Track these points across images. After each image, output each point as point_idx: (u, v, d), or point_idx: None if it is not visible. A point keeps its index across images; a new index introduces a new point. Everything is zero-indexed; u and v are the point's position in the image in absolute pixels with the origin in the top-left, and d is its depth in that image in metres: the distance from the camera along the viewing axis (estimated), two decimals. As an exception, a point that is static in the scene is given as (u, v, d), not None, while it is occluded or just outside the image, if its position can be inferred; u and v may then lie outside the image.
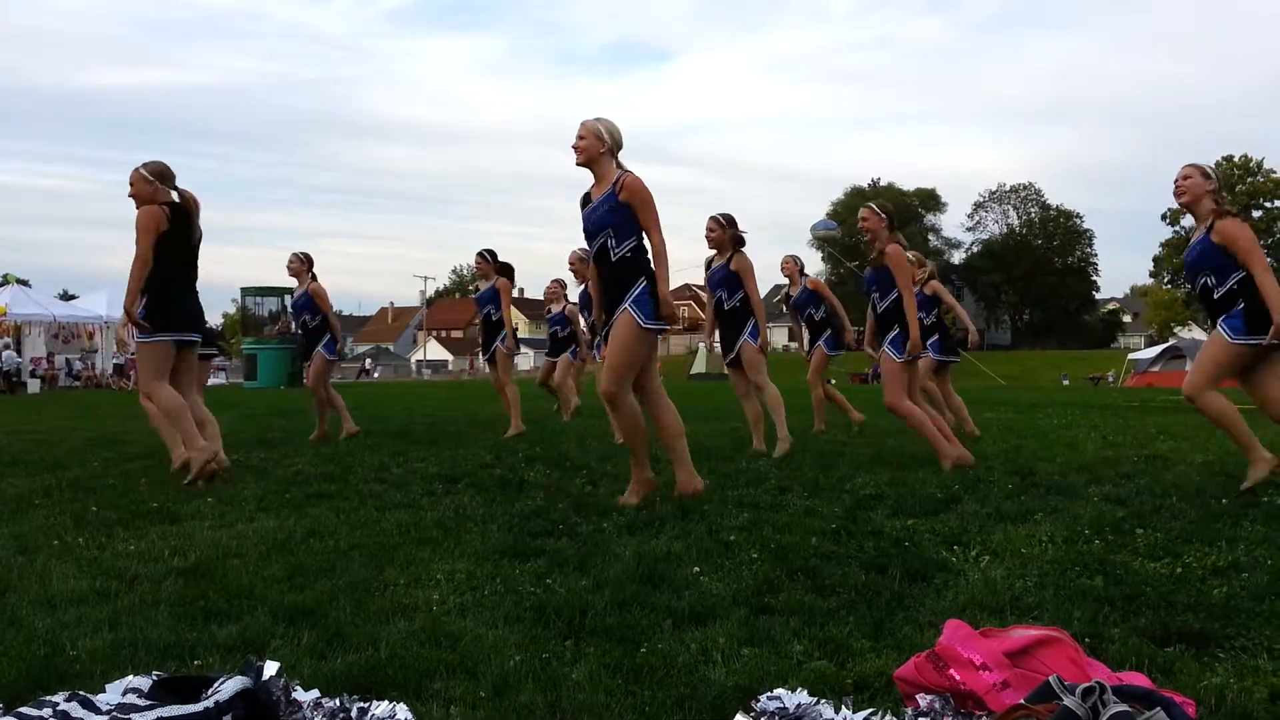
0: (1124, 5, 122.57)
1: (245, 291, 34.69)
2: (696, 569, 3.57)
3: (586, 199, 5.25)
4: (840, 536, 4.14)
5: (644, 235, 5.10)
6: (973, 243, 79.93)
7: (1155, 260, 71.06)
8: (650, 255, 5.13)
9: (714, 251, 7.68)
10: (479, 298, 9.61)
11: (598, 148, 5.13)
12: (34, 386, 27.55)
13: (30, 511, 5.03)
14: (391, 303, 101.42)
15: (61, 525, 4.60)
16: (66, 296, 38.60)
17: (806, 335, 9.51)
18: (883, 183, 78.52)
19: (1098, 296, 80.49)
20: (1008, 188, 79.40)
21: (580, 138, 5.14)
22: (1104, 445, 8.10)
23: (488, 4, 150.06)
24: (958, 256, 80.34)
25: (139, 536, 4.35)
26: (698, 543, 4.05)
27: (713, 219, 7.55)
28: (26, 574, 3.61)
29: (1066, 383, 39.09)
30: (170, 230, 5.95)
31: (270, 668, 1.97)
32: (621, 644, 2.70)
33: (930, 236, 77.89)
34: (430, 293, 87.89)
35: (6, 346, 28.47)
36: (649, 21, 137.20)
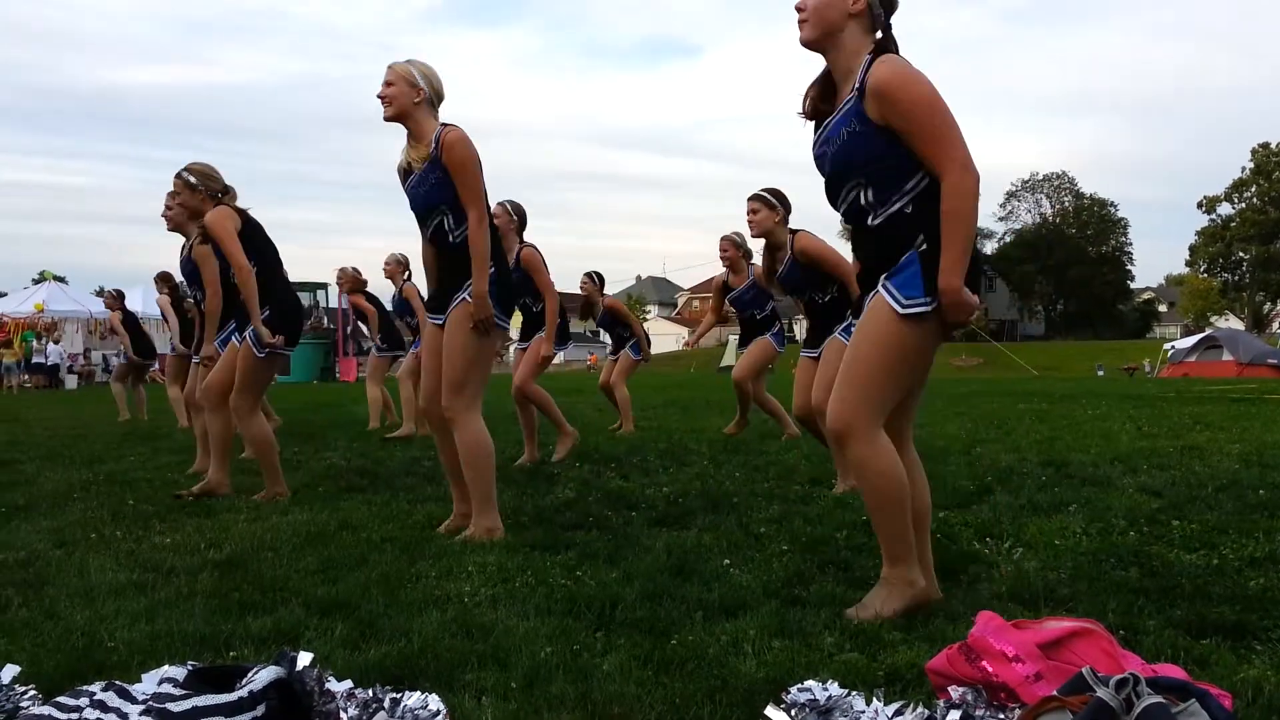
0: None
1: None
2: (727, 561, 3.56)
3: (407, 170, 4.21)
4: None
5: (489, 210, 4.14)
6: (1005, 232, 79.21)
7: (1191, 249, 70.33)
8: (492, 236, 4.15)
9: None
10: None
11: (410, 96, 4.08)
12: (71, 383, 27.92)
13: (69, 505, 5.10)
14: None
15: (99, 519, 4.66)
16: (103, 292, 38.94)
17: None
18: (915, 173, 77.92)
19: (1133, 286, 79.51)
20: (1040, 177, 78.55)
21: (388, 83, 4.09)
22: (1139, 436, 8.02)
23: (518, 0, 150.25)
24: (990, 246, 79.67)
25: (175, 529, 4.40)
26: (728, 535, 4.05)
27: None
28: (65, 567, 3.66)
29: (1101, 373, 38.69)
30: (247, 227, 5.32)
31: (304, 658, 1.98)
32: (652, 636, 2.70)
33: (962, 227, 77.24)
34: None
35: (55, 341, 28.84)
36: (679, 15, 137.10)
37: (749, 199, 5.42)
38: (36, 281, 31.67)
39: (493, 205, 5.80)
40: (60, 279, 33.37)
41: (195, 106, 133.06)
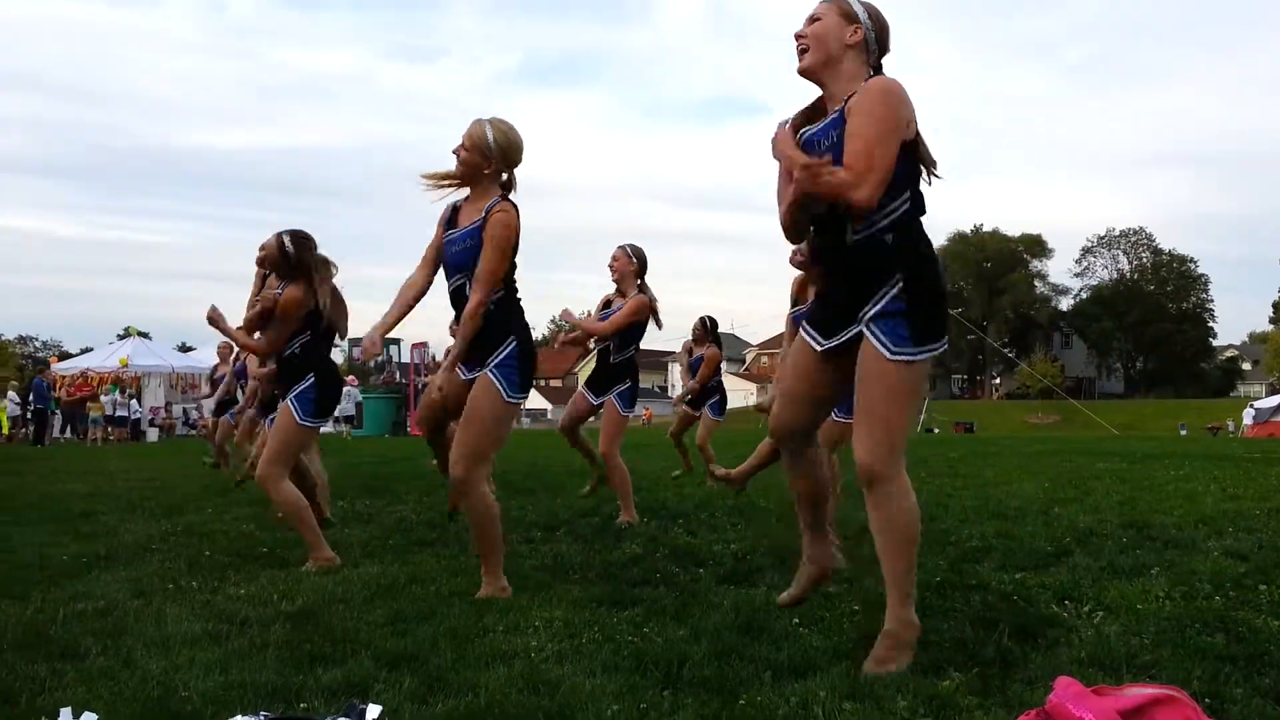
0: (1231, 52, 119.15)
1: (351, 342, 35.60)
2: (796, 620, 3.51)
3: (450, 220, 4.21)
4: (945, 590, 4.04)
5: (514, 282, 4.16)
6: (1081, 289, 78.18)
7: (1275, 306, 68.53)
8: (516, 307, 4.17)
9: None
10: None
11: (481, 166, 4.08)
12: (153, 435, 28.66)
13: (147, 556, 5.21)
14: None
15: (176, 569, 4.75)
16: (184, 348, 40.13)
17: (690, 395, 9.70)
18: (986, 228, 77.39)
19: (1215, 344, 77.70)
20: (1117, 232, 77.61)
21: (464, 146, 4.09)
22: (1224, 497, 7.77)
23: (588, 63, 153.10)
24: (1066, 303, 78.57)
25: (249, 580, 4.47)
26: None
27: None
28: (143, 616, 3.74)
29: (1184, 433, 37.69)
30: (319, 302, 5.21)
31: (372, 711, 2.00)
32: (720, 695, 2.67)
33: (1036, 282, 76.40)
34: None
35: (131, 397, 29.70)
36: (744, 75, 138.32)
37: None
38: (121, 337, 32.70)
39: (613, 250, 6.58)
40: (144, 334, 34.45)
41: (272, 166, 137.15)
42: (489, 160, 4.08)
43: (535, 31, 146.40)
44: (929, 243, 3.06)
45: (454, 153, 4.12)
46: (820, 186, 2.89)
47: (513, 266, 4.14)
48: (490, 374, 4.04)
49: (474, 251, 4.05)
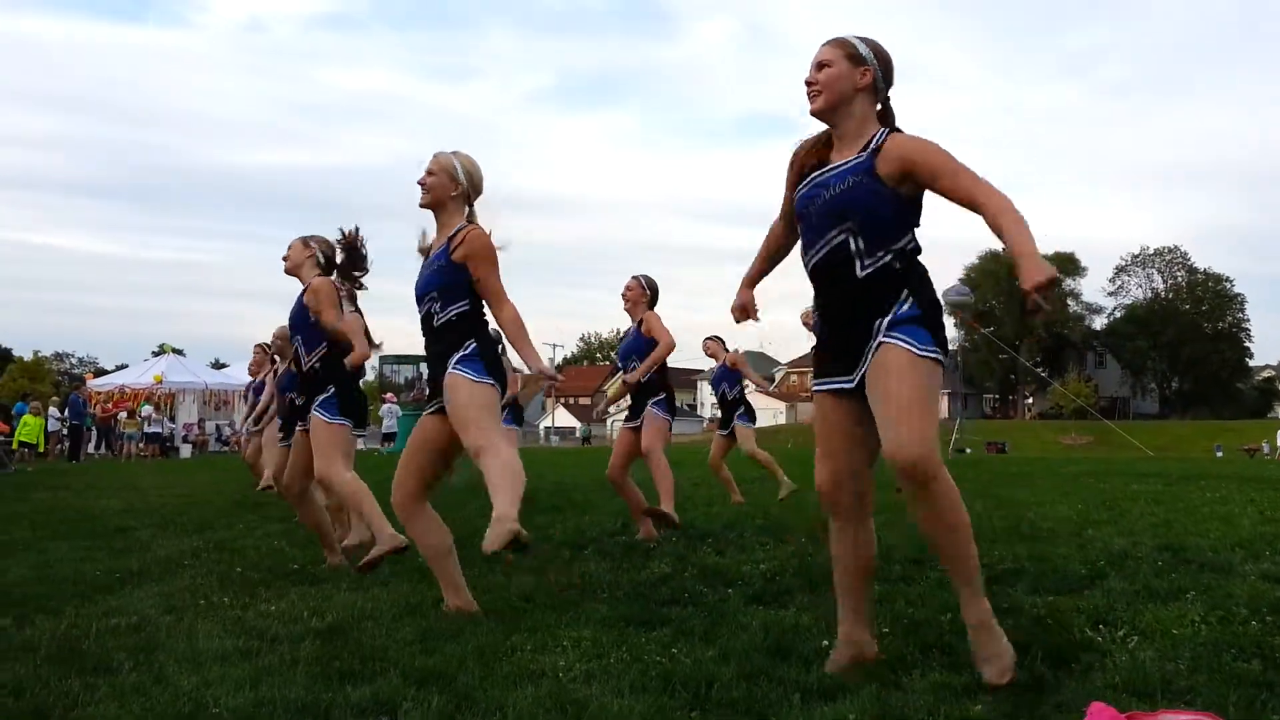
0: (1267, 68, 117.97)
1: (384, 360, 35.87)
2: (826, 642, 3.48)
3: (426, 253, 4.34)
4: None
5: (479, 299, 4.17)
6: (1115, 308, 77.44)
7: (1314, 325, 67.56)
8: (481, 320, 4.21)
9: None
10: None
11: (449, 189, 4.18)
12: (186, 451, 28.92)
13: (179, 571, 5.25)
14: (518, 371, 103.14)
15: (208, 585, 4.79)
16: (218, 365, 40.55)
17: (719, 412, 9.82)
18: (1018, 247, 76.77)
19: (1251, 364, 76.71)
20: (1151, 251, 76.83)
21: (429, 172, 4.19)
22: (1261, 520, 7.65)
23: (622, 83, 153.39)
24: (1099, 322, 77.86)
25: (280, 597, 4.49)
26: (827, 615, 3.96)
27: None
28: (174, 632, 3.77)
29: (1220, 454, 37.19)
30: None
31: (400, 730, 2.00)
32: (748, 717, 2.66)
33: (1070, 301, 75.78)
34: (559, 360, 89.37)
35: (169, 417, 30.04)
36: (777, 93, 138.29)
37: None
38: (156, 354, 33.09)
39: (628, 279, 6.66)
40: (178, 351, 34.84)
41: (310, 185, 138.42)
42: (456, 184, 4.18)
43: (568, 51, 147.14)
44: (926, 270, 3.17)
45: (419, 183, 4.19)
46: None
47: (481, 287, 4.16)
48: (454, 369, 4.04)
49: (441, 274, 4.11)
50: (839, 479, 3.17)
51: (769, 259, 3.67)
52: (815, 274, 3.18)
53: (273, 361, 9.77)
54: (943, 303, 3.20)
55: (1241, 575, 4.85)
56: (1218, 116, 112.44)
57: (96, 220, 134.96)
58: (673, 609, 4.13)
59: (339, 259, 5.42)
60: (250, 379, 11.43)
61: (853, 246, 3.06)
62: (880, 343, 3.01)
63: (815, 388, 3.23)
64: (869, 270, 3.06)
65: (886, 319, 3.02)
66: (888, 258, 3.05)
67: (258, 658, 3.35)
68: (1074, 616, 3.91)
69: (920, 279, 3.09)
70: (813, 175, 3.19)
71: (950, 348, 3.32)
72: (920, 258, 3.14)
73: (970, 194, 2.95)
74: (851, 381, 3.09)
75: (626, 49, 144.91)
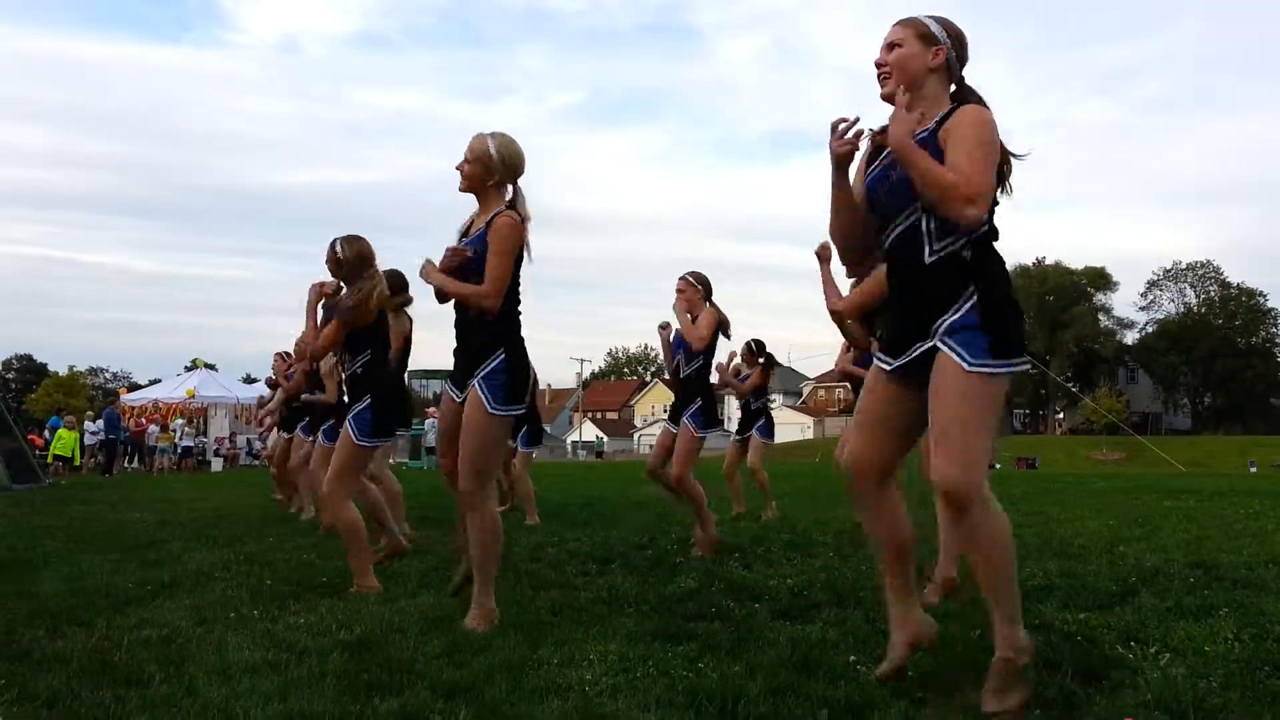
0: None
1: (412, 374, 36.05)
2: (853, 658, 3.47)
3: (465, 233, 4.29)
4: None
5: (515, 293, 4.15)
6: (1147, 322, 76.62)
7: (1350, 340, 66.62)
8: (514, 322, 4.17)
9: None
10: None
11: (485, 178, 4.17)
12: (217, 465, 29.14)
13: (210, 584, 5.29)
14: (549, 385, 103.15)
15: (238, 598, 4.82)
16: (249, 380, 40.83)
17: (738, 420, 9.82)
18: (1048, 261, 76.34)
19: (1285, 379, 75.69)
20: (1183, 265, 76.01)
21: (466, 160, 4.18)
22: (1297, 537, 7.55)
23: (652, 100, 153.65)
24: (1131, 337, 77.09)
25: (309, 609, 4.52)
26: (854, 630, 3.95)
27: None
28: (205, 644, 3.79)
29: (1254, 470, 36.68)
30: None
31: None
32: (775, 733, 2.64)
33: (1101, 316, 75.10)
34: (586, 375, 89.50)
35: (200, 431, 30.30)
36: (806, 110, 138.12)
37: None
38: (189, 368, 33.38)
39: (676, 280, 6.63)
40: (211, 366, 35.12)
41: (344, 203, 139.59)
42: (492, 172, 4.15)
43: (599, 69, 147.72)
44: (1003, 262, 3.00)
45: (457, 169, 4.19)
46: (933, 187, 2.81)
47: (516, 281, 4.16)
48: (476, 386, 4.07)
49: (477, 260, 4.09)
50: (867, 454, 3.06)
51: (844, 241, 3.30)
52: (889, 258, 3.06)
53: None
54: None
55: (1275, 592, 4.79)
56: (1251, 130, 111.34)
57: (138, 239, 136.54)
58: (699, 624, 4.13)
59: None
60: (269, 390, 11.53)
61: (924, 227, 2.92)
62: (935, 348, 2.88)
63: (876, 359, 3.13)
64: (937, 256, 2.90)
65: (946, 322, 2.86)
66: (958, 244, 2.88)
67: (287, 670, 3.37)
68: (1105, 633, 3.87)
69: (992, 275, 2.90)
70: (882, 157, 3.05)
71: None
72: (996, 244, 2.95)
73: (950, 166, 2.81)
74: (891, 366, 3.01)
75: (656, 67, 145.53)
